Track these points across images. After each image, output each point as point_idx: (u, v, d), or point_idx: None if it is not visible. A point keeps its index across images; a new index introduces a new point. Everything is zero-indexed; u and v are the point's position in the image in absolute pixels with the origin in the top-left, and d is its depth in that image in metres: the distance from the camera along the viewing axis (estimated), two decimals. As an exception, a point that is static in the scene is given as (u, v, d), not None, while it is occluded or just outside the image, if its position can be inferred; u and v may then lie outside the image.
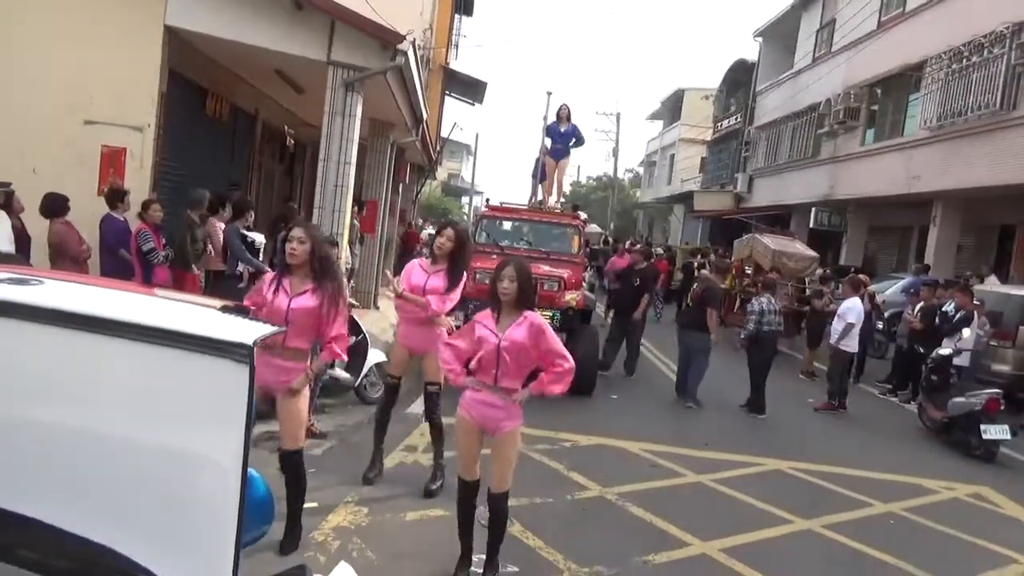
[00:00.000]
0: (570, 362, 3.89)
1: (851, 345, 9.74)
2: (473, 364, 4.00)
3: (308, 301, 3.98)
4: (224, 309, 1.83)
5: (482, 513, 4.09)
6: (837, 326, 9.81)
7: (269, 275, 4.19)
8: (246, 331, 1.65)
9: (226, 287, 7.68)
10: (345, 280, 6.61)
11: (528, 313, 3.92)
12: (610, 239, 26.17)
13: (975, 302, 9.89)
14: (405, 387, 5.75)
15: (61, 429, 1.69)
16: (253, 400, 1.61)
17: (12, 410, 1.71)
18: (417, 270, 5.33)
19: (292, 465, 4.05)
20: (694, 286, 9.65)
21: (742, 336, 9.61)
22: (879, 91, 19.79)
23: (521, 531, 4.77)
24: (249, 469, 1.87)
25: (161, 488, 1.66)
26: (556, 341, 3.92)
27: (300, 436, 4.07)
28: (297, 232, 4.01)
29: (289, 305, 3.97)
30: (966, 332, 9.44)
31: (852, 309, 9.67)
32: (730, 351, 12.12)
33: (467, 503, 4.05)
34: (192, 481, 1.64)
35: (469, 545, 4.09)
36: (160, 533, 1.65)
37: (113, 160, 7.51)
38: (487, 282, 4.03)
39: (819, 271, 15.80)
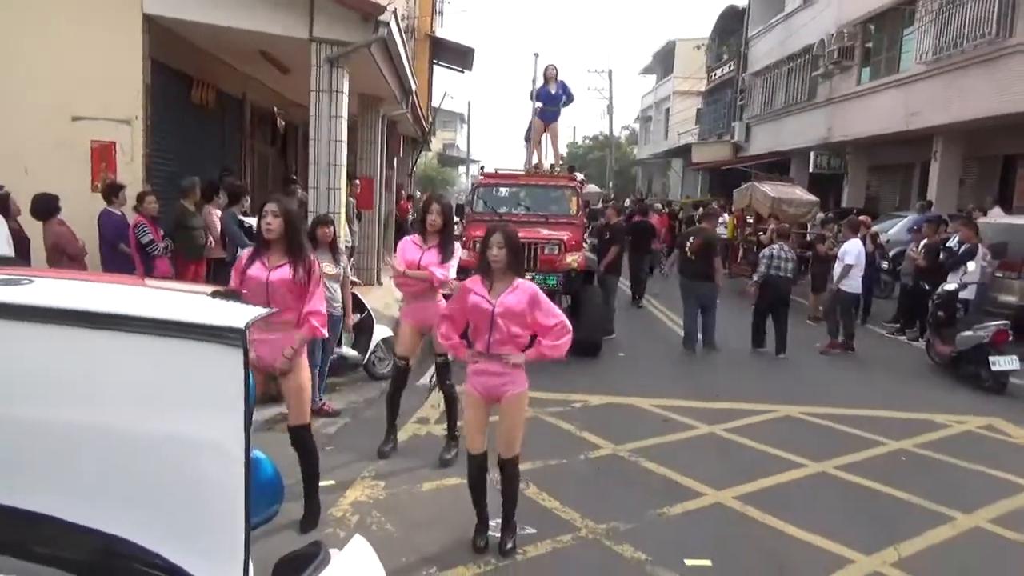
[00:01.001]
0: (567, 322, 3.91)
1: (852, 286, 9.80)
2: (470, 334, 4.02)
3: (286, 273, 4.04)
4: (215, 294, 1.84)
5: (496, 479, 4.14)
6: (837, 268, 9.91)
7: (246, 252, 4.24)
8: (237, 315, 1.66)
9: (228, 274, 7.69)
10: (346, 259, 6.62)
11: (520, 281, 3.93)
12: (611, 196, 26.03)
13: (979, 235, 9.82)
14: (413, 362, 5.77)
15: (60, 425, 1.71)
16: (250, 382, 1.62)
17: (10, 410, 1.73)
18: (411, 247, 5.38)
19: (301, 439, 4.12)
20: (690, 239, 9.66)
21: (754, 279, 9.96)
22: (872, 28, 19.46)
23: (536, 493, 4.83)
24: (255, 451, 1.89)
25: (167, 476, 1.68)
26: (551, 306, 3.94)
27: (305, 411, 4.15)
28: (270, 206, 4.07)
29: (268, 278, 4.04)
30: (971, 265, 9.40)
31: (850, 251, 9.76)
32: (735, 300, 12.16)
33: (477, 478, 4.09)
34: (196, 466, 1.66)
35: (485, 513, 4.14)
36: (170, 519, 1.67)
37: (104, 155, 7.48)
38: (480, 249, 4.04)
39: (820, 215, 15.71)
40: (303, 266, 4.05)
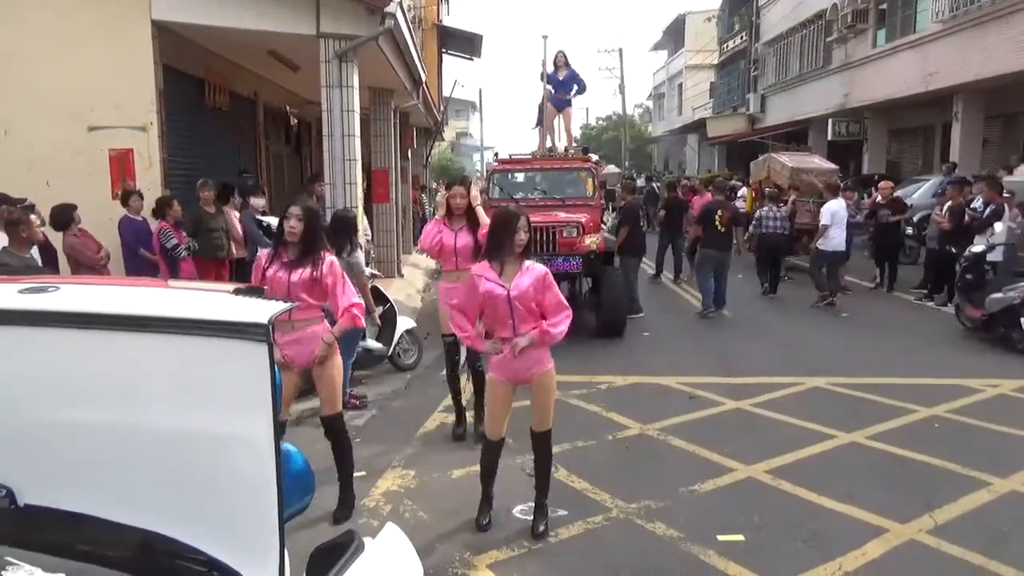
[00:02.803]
0: (570, 309, 3.92)
1: (830, 244, 10.63)
2: (486, 322, 4.01)
3: (307, 274, 4.10)
4: (237, 292, 1.86)
5: (525, 463, 4.16)
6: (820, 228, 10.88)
7: (265, 252, 4.32)
8: (260, 310, 1.68)
9: (249, 274, 7.78)
10: (362, 253, 6.66)
11: (529, 263, 3.92)
12: (633, 175, 25.80)
13: (1005, 194, 9.63)
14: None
15: (93, 427, 1.75)
16: (276, 376, 1.64)
17: (42, 414, 1.77)
18: (444, 231, 5.44)
19: (334, 429, 4.23)
20: (718, 212, 10.14)
21: (745, 237, 11.67)
22: (886, -12, 19.08)
23: (567, 475, 4.85)
24: (286, 444, 1.92)
25: (199, 471, 1.71)
26: (559, 293, 3.92)
27: (337, 401, 4.23)
28: (294, 210, 4.14)
29: (289, 279, 4.10)
30: (998, 226, 9.22)
31: (824, 212, 10.77)
32: (748, 274, 12.20)
33: (490, 462, 4.13)
34: (227, 461, 1.68)
35: (490, 492, 4.20)
36: (204, 514, 1.71)
37: (122, 162, 7.56)
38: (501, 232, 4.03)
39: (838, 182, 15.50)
40: (321, 265, 4.10)
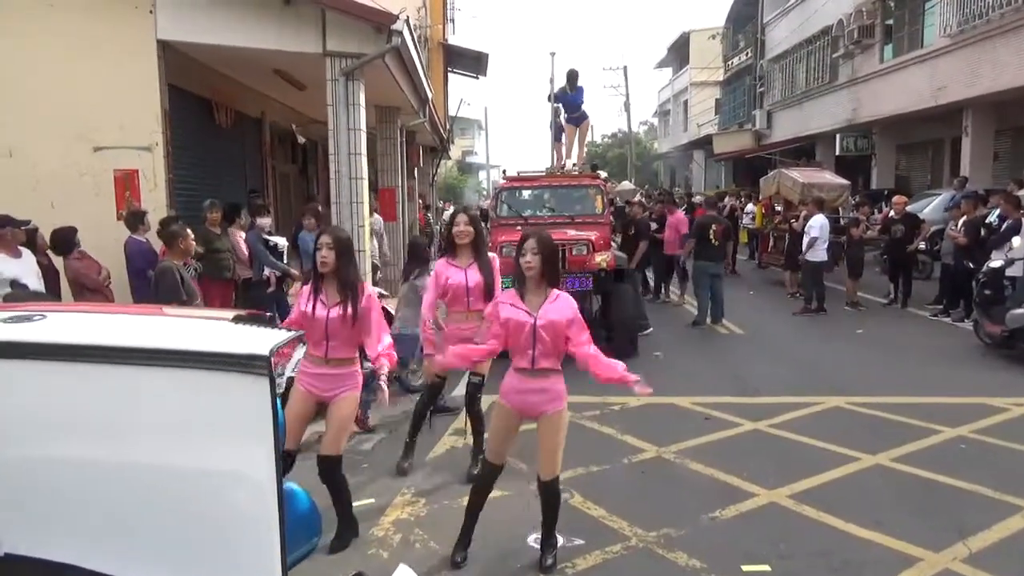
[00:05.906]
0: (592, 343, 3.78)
1: (818, 256, 11.28)
2: (510, 350, 3.81)
3: (345, 310, 3.95)
4: (237, 319, 1.73)
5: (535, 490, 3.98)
6: (805, 241, 11.38)
7: (306, 288, 4.14)
8: (261, 341, 1.55)
9: (255, 293, 7.69)
10: (370, 273, 6.54)
11: (559, 292, 3.76)
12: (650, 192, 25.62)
13: (1022, 209, 9.47)
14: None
15: (81, 468, 1.61)
16: (279, 411, 1.51)
17: (24, 453, 1.63)
18: (452, 271, 5.11)
19: (330, 471, 4.02)
20: (712, 226, 10.62)
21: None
22: (892, 4, 19.04)
23: (582, 502, 4.68)
24: (291, 484, 1.78)
25: (197, 512, 1.57)
26: (583, 323, 3.78)
27: (340, 444, 4.05)
28: (325, 239, 3.99)
29: (328, 316, 3.95)
30: (1016, 241, 9.04)
31: (814, 225, 11.28)
32: (759, 290, 11.99)
33: (484, 487, 3.92)
34: (227, 500, 1.55)
35: (472, 524, 3.93)
36: (203, 558, 1.56)
37: (127, 183, 7.48)
38: (514, 255, 3.88)
39: (851, 199, 15.39)
40: (355, 302, 3.95)
